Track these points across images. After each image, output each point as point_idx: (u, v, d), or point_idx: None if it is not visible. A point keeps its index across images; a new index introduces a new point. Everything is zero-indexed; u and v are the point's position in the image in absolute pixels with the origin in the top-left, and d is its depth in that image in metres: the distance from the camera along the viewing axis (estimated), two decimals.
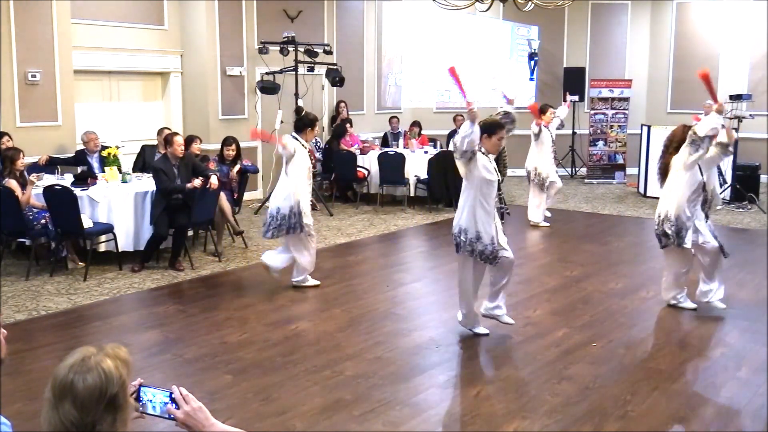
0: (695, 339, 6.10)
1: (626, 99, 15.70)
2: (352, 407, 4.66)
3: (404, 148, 12.72)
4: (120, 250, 8.06)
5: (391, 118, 13.92)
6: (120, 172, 8.76)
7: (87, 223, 7.73)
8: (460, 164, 5.63)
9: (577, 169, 15.96)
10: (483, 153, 5.63)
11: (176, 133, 8.50)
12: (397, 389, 4.93)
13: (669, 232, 6.42)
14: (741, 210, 11.97)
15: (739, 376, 5.25)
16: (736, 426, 4.47)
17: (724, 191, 12.16)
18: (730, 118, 13.47)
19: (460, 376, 5.30)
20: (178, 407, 2.17)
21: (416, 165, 11.98)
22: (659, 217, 6.55)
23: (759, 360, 5.51)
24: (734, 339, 6.04)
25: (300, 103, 11.94)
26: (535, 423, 4.46)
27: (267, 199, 12.04)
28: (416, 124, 13.51)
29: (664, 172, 6.62)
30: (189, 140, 9.02)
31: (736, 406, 4.73)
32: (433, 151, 12.50)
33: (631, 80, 15.91)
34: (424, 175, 11.84)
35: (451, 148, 12.42)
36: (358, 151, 12.38)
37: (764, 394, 4.88)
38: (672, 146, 6.57)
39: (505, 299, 6.03)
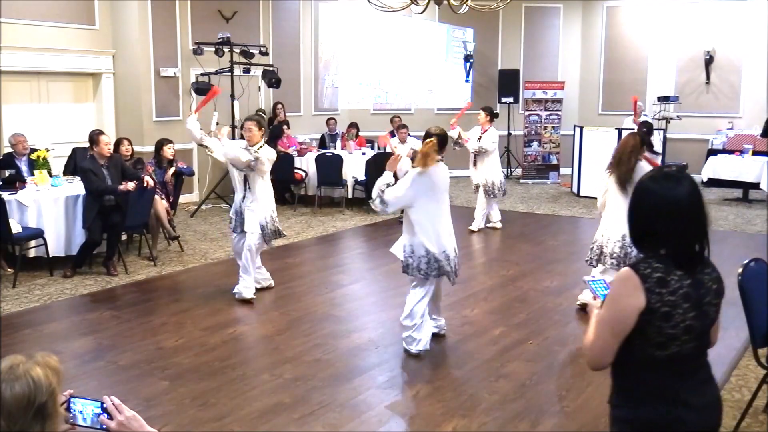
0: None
1: (559, 101, 16.01)
2: (291, 410, 4.64)
3: (342, 149, 12.71)
4: (51, 256, 7.85)
5: (328, 119, 13.88)
6: (50, 176, 8.54)
7: (15, 228, 7.51)
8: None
9: (512, 169, 16.20)
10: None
11: (101, 132, 8.21)
12: (336, 391, 4.93)
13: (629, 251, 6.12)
14: None
15: None
16: None
17: None
18: (659, 119, 13.90)
19: (399, 376, 5.33)
20: (110, 417, 2.13)
21: (354, 166, 11.99)
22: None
23: None
24: None
25: (236, 104, 11.82)
26: (473, 421, 4.51)
27: (203, 202, 11.91)
28: (353, 125, 13.51)
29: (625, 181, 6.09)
30: (116, 143, 8.92)
31: None
32: (370, 153, 12.52)
33: (563, 82, 16.23)
34: (362, 177, 11.85)
35: (390, 149, 12.48)
36: (295, 153, 12.33)
37: None
38: (633, 156, 6.09)
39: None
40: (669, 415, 2.37)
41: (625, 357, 2.41)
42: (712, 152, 14.14)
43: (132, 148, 9.26)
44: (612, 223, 6.21)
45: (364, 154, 12.41)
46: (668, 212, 2.32)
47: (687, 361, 2.37)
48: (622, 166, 6.13)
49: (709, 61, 15.17)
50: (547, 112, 16.02)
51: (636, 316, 2.31)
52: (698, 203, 2.34)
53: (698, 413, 2.39)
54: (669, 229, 2.32)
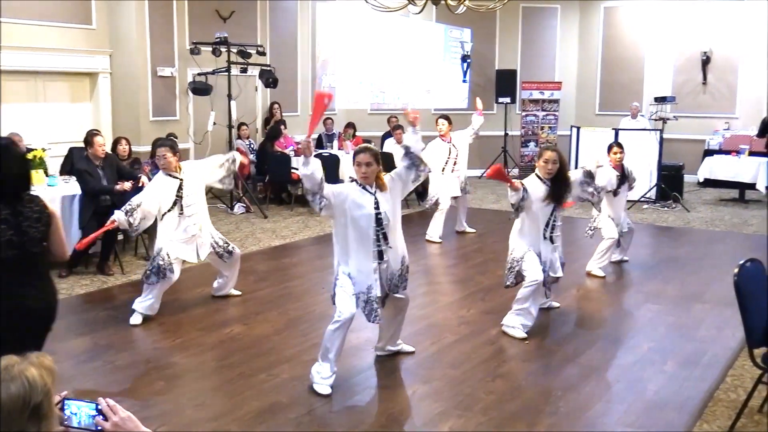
0: (623, 334, 6.26)
1: (556, 101, 16.03)
2: (288, 410, 4.64)
3: (339, 149, 12.71)
4: None
5: (326, 119, 13.88)
6: (46, 176, 8.52)
7: None
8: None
9: (509, 169, 16.20)
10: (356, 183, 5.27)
11: (96, 133, 8.13)
12: (333, 391, 4.93)
13: None
14: (666, 209, 12.35)
15: (666, 369, 5.41)
16: (664, 419, 4.61)
17: (648, 191, 12.53)
18: (655, 120, 13.92)
19: (396, 376, 5.33)
20: (105, 419, 2.13)
21: (351, 166, 11.93)
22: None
23: (684, 354, 5.70)
24: (661, 334, 6.23)
25: (233, 104, 11.81)
26: (470, 421, 4.51)
27: None
28: (351, 125, 13.51)
29: None
30: (114, 142, 8.90)
31: (663, 400, 4.87)
32: None
33: (561, 82, 16.25)
34: None
35: (386, 149, 12.47)
36: (292, 153, 12.33)
37: (689, 387, 5.06)
38: None
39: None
40: (12, 305, 3.59)
41: None
42: (709, 153, 14.17)
43: (130, 148, 9.23)
44: None
45: None
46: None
47: (16, 265, 3.63)
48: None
49: (706, 61, 15.21)
50: (544, 113, 16.03)
51: None
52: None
53: (36, 301, 3.70)
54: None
